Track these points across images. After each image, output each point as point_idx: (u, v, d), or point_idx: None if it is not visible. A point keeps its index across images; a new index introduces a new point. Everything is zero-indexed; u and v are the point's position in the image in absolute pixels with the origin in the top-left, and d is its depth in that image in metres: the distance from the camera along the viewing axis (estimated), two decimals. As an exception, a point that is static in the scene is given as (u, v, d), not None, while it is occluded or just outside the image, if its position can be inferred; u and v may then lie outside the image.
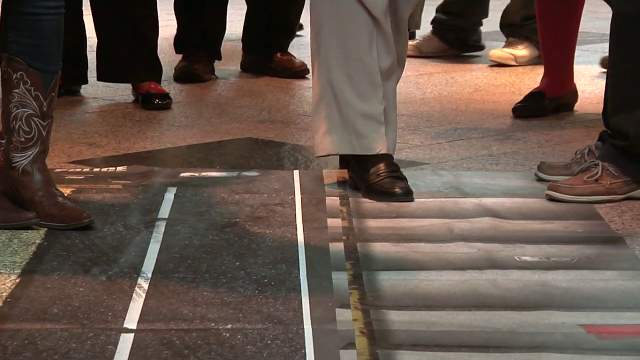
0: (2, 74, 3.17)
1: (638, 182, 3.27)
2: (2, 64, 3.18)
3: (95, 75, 4.82)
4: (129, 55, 4.69)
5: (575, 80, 4.49)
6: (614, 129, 3.32)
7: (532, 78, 4.64)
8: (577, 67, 4.61)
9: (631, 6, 3.32)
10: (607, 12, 5.91)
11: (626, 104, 3.35)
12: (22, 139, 3.15)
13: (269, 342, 2.41)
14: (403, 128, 4.33)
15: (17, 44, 3.14)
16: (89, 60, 4.84)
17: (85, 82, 4.80)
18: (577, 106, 4.43)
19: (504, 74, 5.04)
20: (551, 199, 3.27)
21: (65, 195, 3.23)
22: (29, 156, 3.16)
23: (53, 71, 3.18)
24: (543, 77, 4.39)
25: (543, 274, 2.81)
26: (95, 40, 4.80)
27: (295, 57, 5.31)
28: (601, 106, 4.01)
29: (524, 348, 2.38)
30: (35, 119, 3.14)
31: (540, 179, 3.48)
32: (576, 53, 4.80)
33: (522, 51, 5.13)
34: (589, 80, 4.65)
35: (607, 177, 3.23)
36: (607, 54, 4.29)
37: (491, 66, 5.20)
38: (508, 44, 5.28)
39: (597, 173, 3.21)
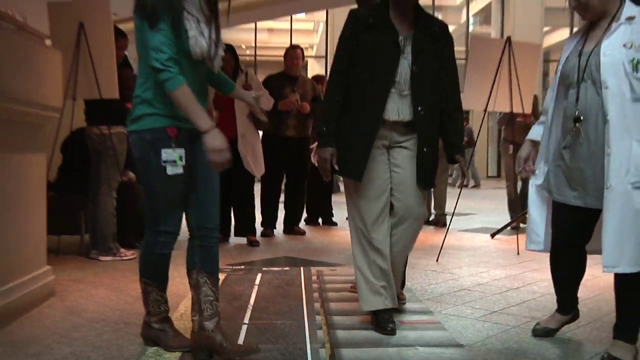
0: (193, 281, 2.96)
1: None
2: (192, 275, 2.98)
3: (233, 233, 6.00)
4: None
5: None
6: None
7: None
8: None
9: None
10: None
11: None
12: (209, 313, 2.95)
13: (292, 336, 3.07)
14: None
15: (200, 261, 2.96)
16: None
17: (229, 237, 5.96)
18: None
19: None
20: None
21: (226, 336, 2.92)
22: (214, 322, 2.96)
23: (217, 275, 2.95)
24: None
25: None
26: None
27: (301, 229, 6.75)
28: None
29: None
30: (214, 302, 2.99)
31: None
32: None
33: None
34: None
35: None
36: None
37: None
38: None
39: None
